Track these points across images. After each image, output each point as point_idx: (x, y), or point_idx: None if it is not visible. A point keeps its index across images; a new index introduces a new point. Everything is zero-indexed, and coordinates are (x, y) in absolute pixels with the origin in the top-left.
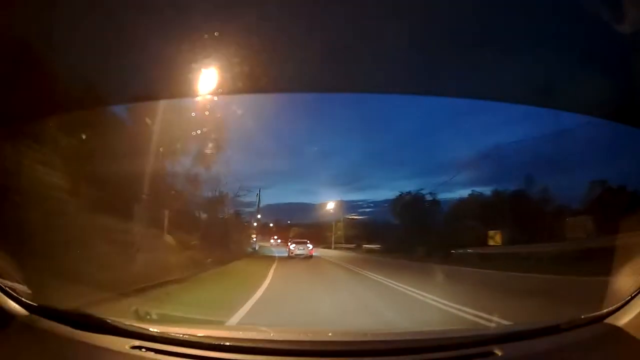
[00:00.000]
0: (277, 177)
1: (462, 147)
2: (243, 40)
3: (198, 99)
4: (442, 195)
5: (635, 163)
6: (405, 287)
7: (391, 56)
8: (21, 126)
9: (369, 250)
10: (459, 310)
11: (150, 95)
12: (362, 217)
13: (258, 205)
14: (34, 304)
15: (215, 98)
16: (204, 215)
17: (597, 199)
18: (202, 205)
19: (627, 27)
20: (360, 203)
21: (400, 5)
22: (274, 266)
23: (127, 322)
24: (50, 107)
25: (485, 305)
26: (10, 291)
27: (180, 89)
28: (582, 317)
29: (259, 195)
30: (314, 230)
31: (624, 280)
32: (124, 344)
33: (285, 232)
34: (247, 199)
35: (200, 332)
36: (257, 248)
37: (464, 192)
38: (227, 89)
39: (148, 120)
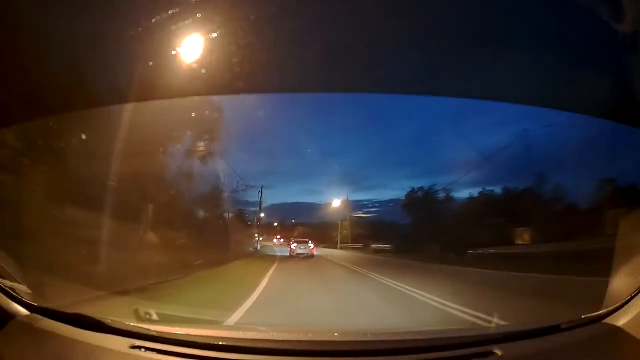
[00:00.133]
0: (283, 177)
1: (470, 147)
2: (243, 40)
3: (196, 98)
4: (455, 194)
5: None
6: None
7: (391, 56)
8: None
9: (378, 251)
10: None
11: (149, 96)
12: (369, 216)
13: (260, 204)
14: (34, 304)
15: (215, 98)
16: (200, 213)
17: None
18: (197, 202)
19: (627, 27)
20: (365, 203)
21: (400, 5)
22: (271, 270)
23: (127, 322)
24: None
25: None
26: (10, 291)
27: (180, 89)
28: (582, 317)
29: (261, 192)
30: (320, 230)
31: (622, 281)
32: (124, 344)
33: (290, 231)
34: (251, 199)
35: (200, 332)
36: (259, 248)
37: (474, 191)
38: (227, 89)
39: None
